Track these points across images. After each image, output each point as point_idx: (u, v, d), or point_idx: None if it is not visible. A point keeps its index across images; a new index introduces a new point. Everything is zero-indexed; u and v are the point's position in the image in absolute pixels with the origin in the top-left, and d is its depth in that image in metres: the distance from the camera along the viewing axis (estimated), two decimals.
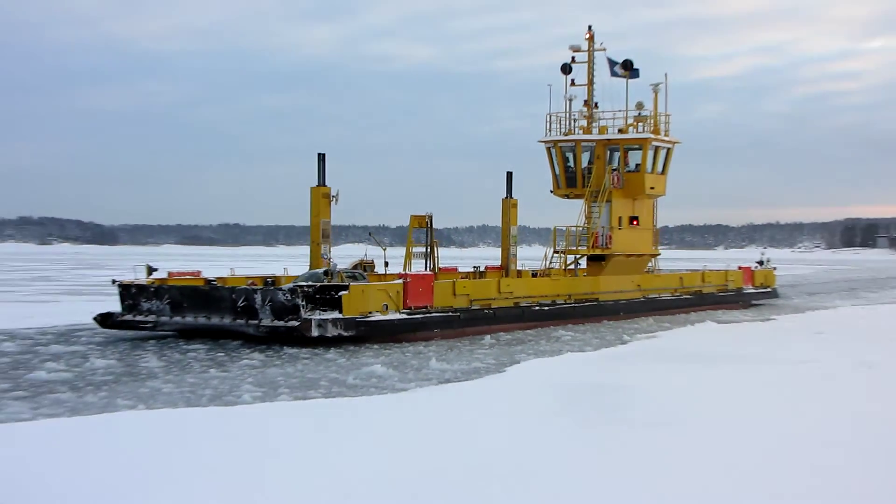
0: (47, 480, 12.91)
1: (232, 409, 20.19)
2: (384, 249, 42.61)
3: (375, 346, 32.48)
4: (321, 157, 37.31)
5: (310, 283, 34.71)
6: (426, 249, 41.84)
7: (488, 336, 37.48)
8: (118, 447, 15.30)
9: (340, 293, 33.27)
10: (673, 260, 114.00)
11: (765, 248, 76.15)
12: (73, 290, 55.98)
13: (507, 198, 44.80)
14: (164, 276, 38.50)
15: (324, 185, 37.33)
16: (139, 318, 35.45)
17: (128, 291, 36.33)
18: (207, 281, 36.89)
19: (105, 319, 35.88)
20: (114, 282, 38.20)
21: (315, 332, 31.93)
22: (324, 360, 29.12)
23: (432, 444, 15.69)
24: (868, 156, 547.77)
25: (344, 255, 42.61)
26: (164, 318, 35.13)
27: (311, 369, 27.22)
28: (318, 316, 32.51)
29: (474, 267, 47.69)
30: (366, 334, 33.53)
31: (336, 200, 37.92)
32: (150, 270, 37.92)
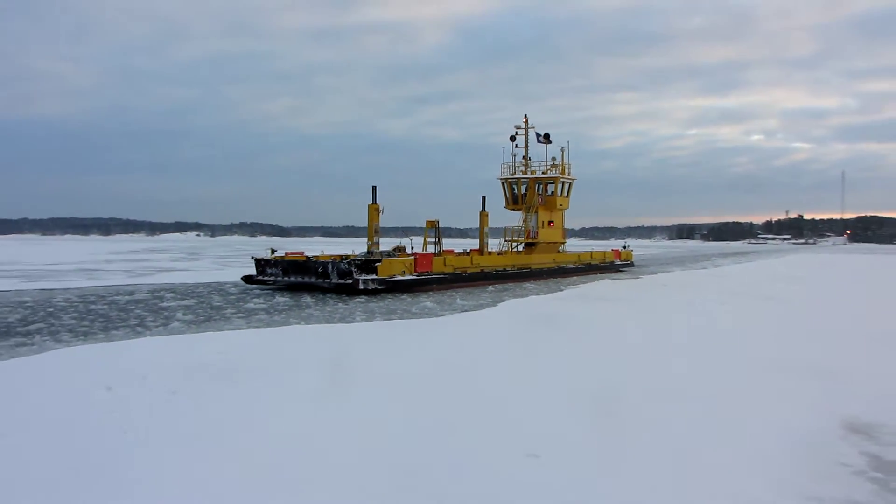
0: (256, 360, 13.44)
1: (350, 324, 20.40)
2: (410, 240, 41.77)
3: (400, 294, 31.82)
4: (374, 188, 36.84)
5: (360, 258, 34.06)
6: (435, 239, 41.32)
7: (490, 287, 37.13)
8: (292, 343, 15.76)
9: (377, 264, 32.67)
10: (583, 245, 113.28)
11: (626, 240, 75.37)
12: None
13: (482, 211, 44.79)
14: (282, 254, 37.27)
15: (375, 203, 36.82)
16: (266, 278, 34.93)
17: (259, 263, 35.74)
18: (307, 257, 35.84)
19: (248, 279, 35.63)
20: (252, 258, 37.49)
21: (361, 287, 31.37)
22: (399, 300, 29.15)
23: (461, 341, 16.10)
24: (689, 190, 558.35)
25: (389, 244, 42.14)
26: (279, 279, 34.53)
27: (392, 304, 27.27)
28: (363, 277, 31.80)
29: (464, 249, 46.93)
30: (391, 288, 32.83)
31: (383, 212, 37.11)
32: (273, 251, 37.22)
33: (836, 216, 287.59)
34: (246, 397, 10.27)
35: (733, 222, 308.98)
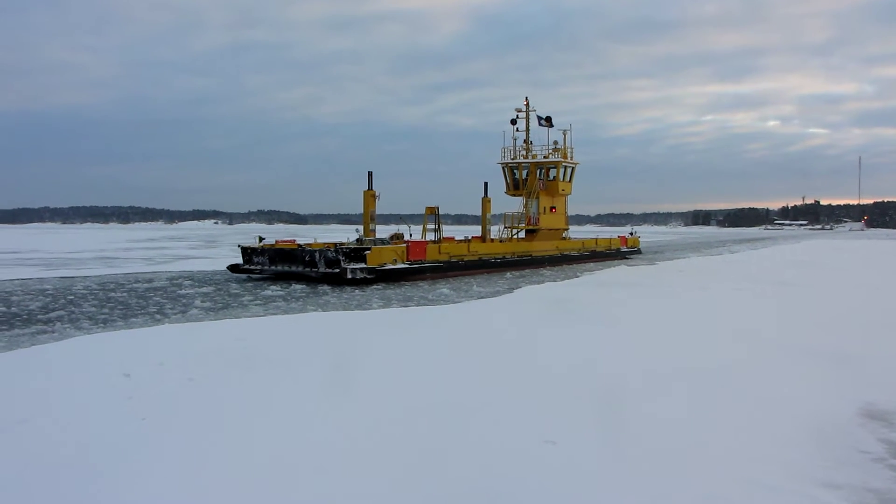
0: (273, 347, 13.46)
1: (368, 311, 20.38)
2: (409, 226, 40.04)
3: (391, 283, 30.56)
4: (370, 174, 34.77)
5: (349, 246, 32.19)
6: (435, 226, 39.40)
7: (508, 273, 36.86)
8: (310, 330, 15.75)
9: (366, 252, 30.72)
10: (590, 232, 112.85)
11: (640, 226, 71.49)
12: None
13: (484, 197, 43.31)
14: (273, 242, 35.34)
15: (371, 189, 34.93)
16: (252, 267, 32.93)
17: (245, 251, 33.69)
18: (299, 245, 33.74)
19: (234, 268, 33.61)
20: (238, 246, 35.46)
21: (349, 276, 29.65)
22: (416, 287, 29.12)
23: (478, 326, 16.03)
24: (704, 176, 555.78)
25: (395, 232, 39.81)
26: (266, 268, 32.56)
27: (409, 291, 27.25)
28: (350, 266, 29.97)
29: (465, 237, 44.32)
30: (382, 277, 31.05)
31: (379, 198, 35.24)
32: (261, 239, 35.08)
33: (853, 202, 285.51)
34: (264, 385, 10.29)
35: (749, 208, 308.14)
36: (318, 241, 37.84)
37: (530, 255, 42.69)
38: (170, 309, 21.19)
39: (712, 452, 7.64)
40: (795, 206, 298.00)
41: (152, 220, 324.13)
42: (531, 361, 12.01)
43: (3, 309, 20.84)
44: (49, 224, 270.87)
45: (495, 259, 39.35)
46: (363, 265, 30.49)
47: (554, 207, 46.80)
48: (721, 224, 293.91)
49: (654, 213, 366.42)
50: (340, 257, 30.36)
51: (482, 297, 24.46)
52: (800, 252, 59.84)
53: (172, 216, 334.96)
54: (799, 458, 7.49)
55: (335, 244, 34.32)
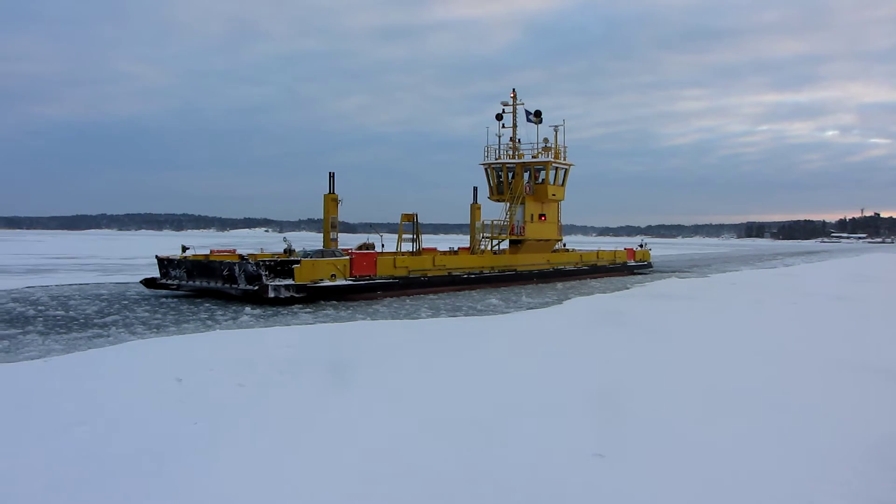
0: (323, 354, 13.50)
1: (416, 320, 20.46)
2: (381, 236, 35.19)
3: (333, 302, 26.14)
4: (331, 175, 30.96)
5: (272, 259, 27.99)
6: (413, 235, 34.21)
7: (559, 284, 36.13)
8: (358, 339, 15.86)
9: (294, 266, 26.35)
10: (600, 243, 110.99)
11: (643, 239, 66.30)
12: None
13: (473, 203, 37.95)
14: (208, 252, 31.16)
15: (333, 192, 30.93)
16: (169, 281, 28.41)
17: (162, 263, 29.27)
18: (241, 256, 28.62)
19: (149, 282, 29.07)
20: (156, 257, 30.42)
21: (271, 294, 25.00)
22: (468, 296, 29.08)
23: (529, 336, 16.01)
24: (759, 187, 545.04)
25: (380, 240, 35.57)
26: (183, 283, 27.99)
27: (458, 300, 27.25)
28: (274, 282, 25.47)
29: (450, 247, 39.88)
30: (315, 296, 26.38)
31: (342, 203, 31.19)
32: (184, 249, 30.32)
33: None
34: (312, 392, 10.39)
35: (805, 220, 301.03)
36: (264, 251, 33.91)
37: (514, 270, 37.45)
38: (221, 315, 21.54)
39: (768, 471, 7.47)
40: (854, 218, 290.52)
41: (205, 228, 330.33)
42: (581, 374, 11.91)
43: (62, 313, 21.45)
44: (106, 230, 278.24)
45: (469, 275, 34.36)
46: (290, 281, 26.20)
47: (543, 215, 40.81)
48: (775, 236, 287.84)
49: (706, 225, 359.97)
50: (262, 272, 26.03)
51: (531, 309, 24.31)
52: (858, 266, 58.24)
53: (224, 224, 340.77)
54: (855, 479, 7.28)
55: (265, 256, 30.25)
